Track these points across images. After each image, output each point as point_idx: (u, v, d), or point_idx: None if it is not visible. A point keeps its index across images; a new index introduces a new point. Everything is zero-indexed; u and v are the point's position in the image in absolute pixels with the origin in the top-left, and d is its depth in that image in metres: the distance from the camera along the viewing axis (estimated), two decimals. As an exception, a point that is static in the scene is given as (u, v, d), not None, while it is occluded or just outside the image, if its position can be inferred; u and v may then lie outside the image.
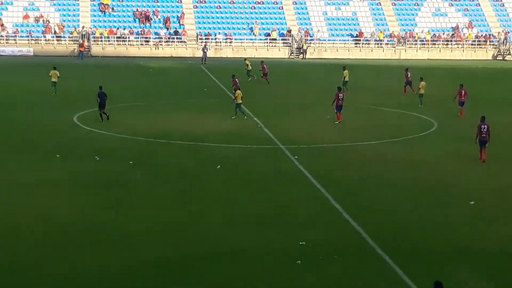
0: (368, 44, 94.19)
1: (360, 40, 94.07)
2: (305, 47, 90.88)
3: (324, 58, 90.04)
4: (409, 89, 56.71)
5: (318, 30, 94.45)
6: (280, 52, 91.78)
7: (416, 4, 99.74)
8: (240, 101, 44.57)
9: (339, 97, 43.83)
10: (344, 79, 57.16)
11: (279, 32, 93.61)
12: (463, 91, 47.00)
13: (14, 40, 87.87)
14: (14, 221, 24.16)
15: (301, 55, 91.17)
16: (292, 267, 20.55)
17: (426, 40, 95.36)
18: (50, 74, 54.45)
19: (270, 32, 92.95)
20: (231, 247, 22.04)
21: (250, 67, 64.66)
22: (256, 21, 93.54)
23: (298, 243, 22.34)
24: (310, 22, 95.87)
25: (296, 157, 34.22)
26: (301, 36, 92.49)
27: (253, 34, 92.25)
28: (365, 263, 21.08)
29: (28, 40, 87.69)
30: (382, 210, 26.25)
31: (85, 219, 24.50)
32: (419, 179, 30.98)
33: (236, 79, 53.00)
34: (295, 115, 47.08)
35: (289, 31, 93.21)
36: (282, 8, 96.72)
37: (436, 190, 29.18)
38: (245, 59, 69.48)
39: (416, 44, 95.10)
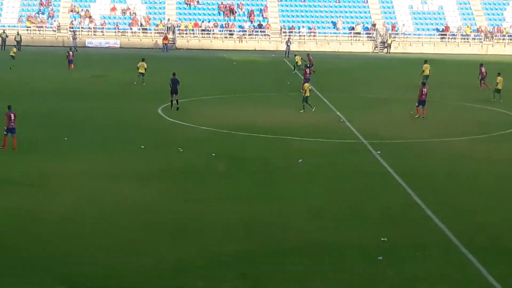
0: (454, 38, 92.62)
1: (446, 34, 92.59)
2: (389, 41, 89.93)
3: (409, 53, 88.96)
4: (484, 83, 56.00)
5: (403, 24, 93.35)
6: (364, 46, 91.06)
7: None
8: (308, 94, 44.53)
9: (423, 92, 43.33)
10: (423, 73, 56.66)
11: (363, 26, 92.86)
12: None
13: (102, 32, 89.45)
14: (99, 209, 24.66)
15: (385, 49, 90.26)
16: (373, 263, 20.38)
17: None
18: (138, 66, 55.59)
19: (354, 26, 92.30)
20: (311, 241, 21.99)
21: (300, 62, 64.78)
22: (339, 16, 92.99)
23: (379, 239, 22.16)
24: (395, 16, 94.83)
25: (379, 152, 33.93)
26: (386, 30, 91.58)
27: (336, 28, 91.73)
28: (448, 262, 20.76)
29: (115, 32, 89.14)
30: (466, 207, 25.81)
31: (168, 210, 24.81)
32: (505, 176, 30.34)
33: (307, 70, 53.10)
34: (379, 110, 46.68)
35: (374, 25, 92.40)
36: (367, 2, 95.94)
37: (522, 189, 28.54)
38: (295, 55, 69.66)
39: (504, 39, 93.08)
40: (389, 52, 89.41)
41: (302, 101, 44.84)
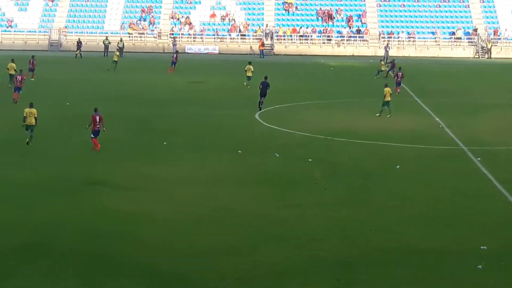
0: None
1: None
2: (489, 46, 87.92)
3: (511, 58, 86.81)
4: None
5: (506, 29, 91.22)
6: (465, 51, 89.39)
7: None
8: (388, 99, 44.05)
9: (518, 98, 42.56)
10: None
11: (465, 31, 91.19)
12: None
13: (201, 38, 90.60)
14: (198, 212, 24.96)
15: (486, 54, 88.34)
16: (472, 272, 19.96)
17: None
18: (245, 69, 57.87)
19: (454, 31, 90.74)
20: (409, 248, 21.73)
21: (383, 68, 64.91)
22: (439, 21, 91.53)
23: (479, 247, 21.68)
24: (497, 21, 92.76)
25: (479, 158, 33.25)
26: (488, 35, 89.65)
27: (435, 39, 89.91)
28: (550, 272, 20.16)
29: (214, 38, 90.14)
30: None
31: (265, 214, 24.90)
32: None
33: (400, 73, 54.32)
34: (479, 116, 45.74)
35: (475, 29, 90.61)
36: (469, 7, 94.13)
37: None
38: (381, 60, 69.92)
39: None
40: (490, 57, 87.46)
41: (382, 105, 44.47)
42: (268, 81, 46.23)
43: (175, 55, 69.03)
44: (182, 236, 22.62)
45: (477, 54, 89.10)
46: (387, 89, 44.56)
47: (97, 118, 33.64)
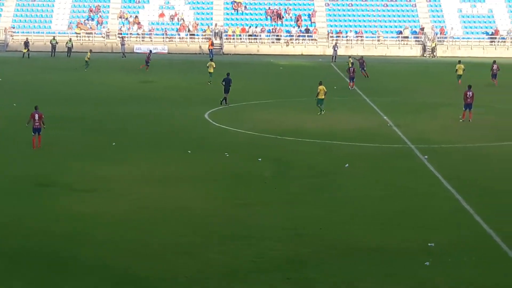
0: (504, 42, 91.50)
1: (495, 38, 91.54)
2: (433, 45, 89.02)
3: (457, 57, 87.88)
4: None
5: (452, 28, 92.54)
6: (412, 50, 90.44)
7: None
8: (322, 97, 44.49)
9: (467, 95, 43.13)
10: (456, 72, 60.42)
11: (412, 30, 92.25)
12: None
13: (150, 38, 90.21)
14: (149, 213, 24.95)
15: (432, 53, 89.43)
16: (420, 269, 20.29)
17: None
18: (207, 65, 59.92)
19: (402, 30, 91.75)
20: (358, 246, 21.99)
21: (350, 65, 65.06)
22: (386, 19, 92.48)
23: (426, 244, 22.05)
24: (443, 20, 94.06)
25: (426, 156, 33.74)
26: (434, 34, 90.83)
27: (377, 38, 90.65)
28: (496, 267, 20.57)
29: (163, 38, 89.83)
30: (515, 213, 25.54)
31: (216, 214, 24.99)
32: (555, 182, 29.93)
33: (352, 68, 57.80)
34: (426, 114, 46.35)
35: (422, 28, 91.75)
36: (415, 6, 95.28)
37: None
38: (349, 56, 69.51)
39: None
40: (435, 56, 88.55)
41: (317, 104, 44.89)
42: (230, 77, 48.38)
43: (148, 55, 70.65)
44: (135, 236, 22.60)
45: (425, 53, 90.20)
46: (321, 87, 45.00)
47: (36, 116, 33.98)
